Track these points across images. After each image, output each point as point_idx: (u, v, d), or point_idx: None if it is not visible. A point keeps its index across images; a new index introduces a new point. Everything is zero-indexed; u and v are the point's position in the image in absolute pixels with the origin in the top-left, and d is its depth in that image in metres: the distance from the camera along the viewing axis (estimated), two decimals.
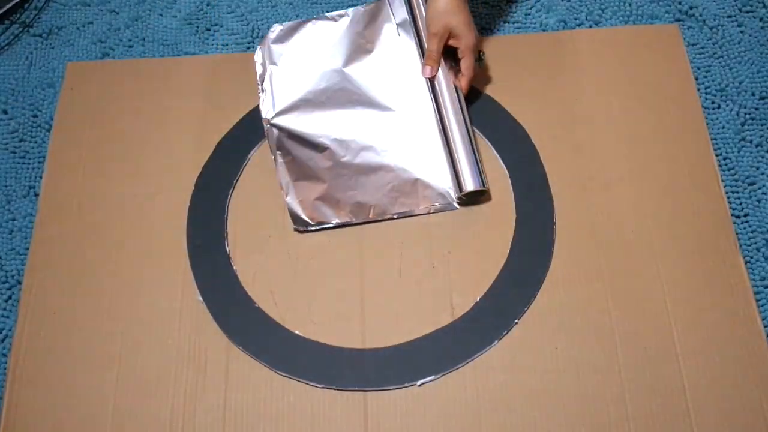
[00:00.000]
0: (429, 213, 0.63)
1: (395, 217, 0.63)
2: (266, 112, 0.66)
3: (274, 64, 0.68)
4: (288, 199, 0.63)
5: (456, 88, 0.65)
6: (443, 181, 0.64)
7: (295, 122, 0.66)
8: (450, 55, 0.65)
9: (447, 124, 0.64)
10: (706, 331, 0.57)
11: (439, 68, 0.65)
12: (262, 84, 0.67)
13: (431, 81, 0.65)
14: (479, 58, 0.65)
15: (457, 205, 0.63)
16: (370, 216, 0.63)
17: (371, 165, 0.64)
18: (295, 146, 0.65)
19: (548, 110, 0.67)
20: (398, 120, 0.66)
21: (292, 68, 0.68)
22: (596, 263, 0.60)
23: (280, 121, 0.66)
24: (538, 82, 0.69)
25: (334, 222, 0.62)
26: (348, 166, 0.64)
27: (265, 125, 0.65)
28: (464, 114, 0.64)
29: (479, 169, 0.62)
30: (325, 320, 0.59)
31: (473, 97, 0.68)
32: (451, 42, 0.63)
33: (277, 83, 0.67)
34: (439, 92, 0.65)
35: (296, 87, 0.67)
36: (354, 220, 0.63)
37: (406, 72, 0.67)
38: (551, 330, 0.58)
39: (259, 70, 0.68)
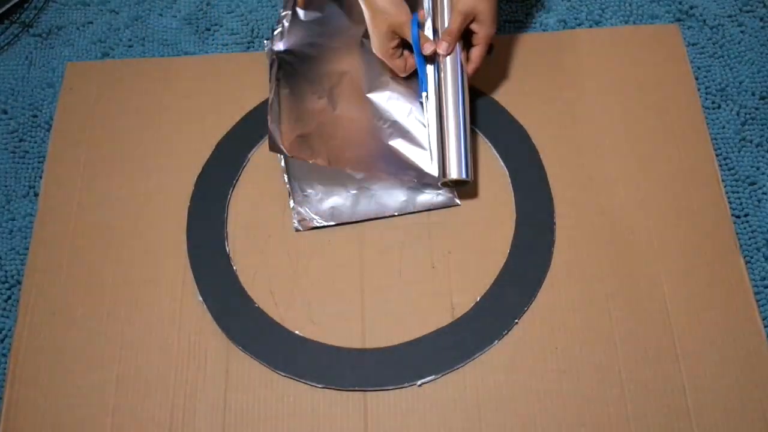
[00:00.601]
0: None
1: (375, 189, 0.63)
2: (277, 45, 0.69)
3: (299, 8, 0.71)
4: (271, 125, 0.65)
5: (463, 72, 0.62)
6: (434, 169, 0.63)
7: (302, 63, 0.68)
8: (462, 37, 0.62)
9: (444, 105, 0.61)
10: (706, 331, 0.57)
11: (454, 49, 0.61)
12: (281, 21, 0.70)
13: (438, 58, 0.62)
14: (490, 50, 0.63)
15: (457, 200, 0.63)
16: (347, 168, 0.63)
17: (363, 127, 0.65)
18: (295, 82, 0.67)
19: (548, 110, 0.67)
20: (403, 102, 0.66)
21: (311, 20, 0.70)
22: (596, 263, 0.60)
23: (288, 57, 0.68)
24: (538, 82, 0.69)
25: (310, 161, 0.63)
26: (338, 119, 0.65)
27: (269, 57, 0.69)
28: (465, 99, 0.61)
29: (466, 158, 0.60)
30: (325, 320, 0.59)
31: (473, 97, 0.68)
32: (472, 26, 0.60)
33: (294, 27, 0.70)
34: (443, 71, 0.61)
35: (311, 36, 0.69)
36: (328, 166, 0.63)
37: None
38: (551, 330, 0.58)
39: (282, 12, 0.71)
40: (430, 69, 0.63)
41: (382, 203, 0.63)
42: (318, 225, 0.62)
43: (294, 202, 0.63)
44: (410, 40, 0.60)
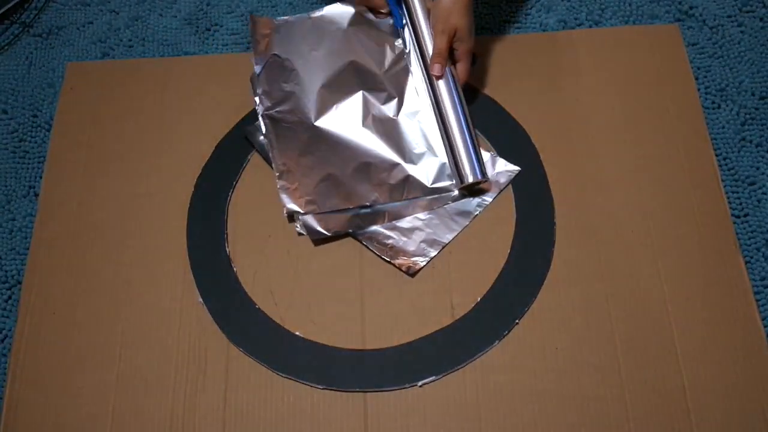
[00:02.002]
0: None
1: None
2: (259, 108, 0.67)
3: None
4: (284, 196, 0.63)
5: (456, 84, 0.64)
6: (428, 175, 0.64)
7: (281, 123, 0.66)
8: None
9: (446, 119, 0.63)
10: (706, 331, 0.57)
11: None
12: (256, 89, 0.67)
13: (432, 77, 0.64)
14: (474, 62, 0.65)
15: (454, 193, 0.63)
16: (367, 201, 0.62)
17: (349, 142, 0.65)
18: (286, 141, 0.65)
19: (548, 110, 0.67)
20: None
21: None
22: (596, 263, 0.60)
23: (272, 115, 0.66)
24: (538, 82, 0.69)
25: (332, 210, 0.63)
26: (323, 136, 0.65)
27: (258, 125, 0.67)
28: (464, 109, 0.63)
29: (478, 160, 0.62)
30: (325, 321, 0.59)
31: (473, 97, 0.68)
32: (454, 44, 0.63)
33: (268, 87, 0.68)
34: (438, 89, 0.64)
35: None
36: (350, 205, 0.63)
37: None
38: (552, 330, 0.58)
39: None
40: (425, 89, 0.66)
41: (462, 211, 0.63)
42: (424, 264, 0.61)
43: (388, 258, 0.61)
44: None
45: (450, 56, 0.64)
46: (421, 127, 0.65)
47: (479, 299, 0.59)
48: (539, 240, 0.61)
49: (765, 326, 0.58)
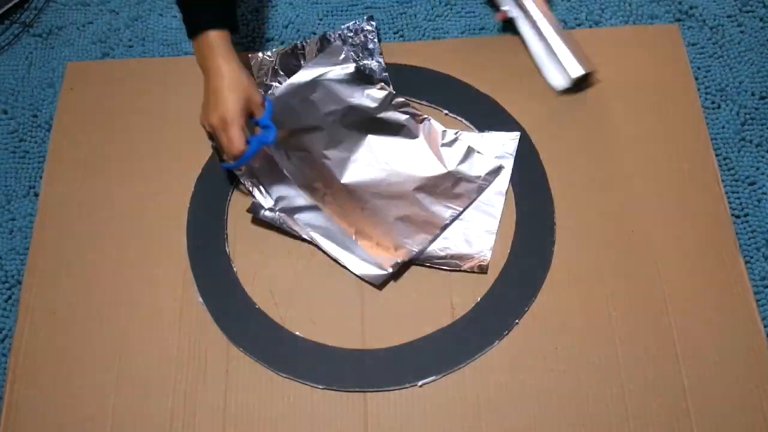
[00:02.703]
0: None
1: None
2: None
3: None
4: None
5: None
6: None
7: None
8: None
9: (541, 26, 0.66)
10: (706, 331, 0.57)
11: None
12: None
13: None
14: None
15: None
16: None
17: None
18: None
19: (548, 110, 0.67)
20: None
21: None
22: (596, 263, 0.60)
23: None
24: (538, 82, 0.69)
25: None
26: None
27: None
28: (552, 17, 0.67)
29: (577, 55, 0.65)
30: (325, 321, 0.59)
31: (473, 97, 0.68)
32: None
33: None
34: (528, 6, 0.66)
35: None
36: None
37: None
38: (551, 330, 0.58)
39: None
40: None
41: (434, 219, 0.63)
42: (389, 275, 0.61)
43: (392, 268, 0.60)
44: (258, 118, 0.58)
45: None
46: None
47: (479, 299, 0.59)
48: (539, 240, 0.61)
49: (765, 326, 0.58)
